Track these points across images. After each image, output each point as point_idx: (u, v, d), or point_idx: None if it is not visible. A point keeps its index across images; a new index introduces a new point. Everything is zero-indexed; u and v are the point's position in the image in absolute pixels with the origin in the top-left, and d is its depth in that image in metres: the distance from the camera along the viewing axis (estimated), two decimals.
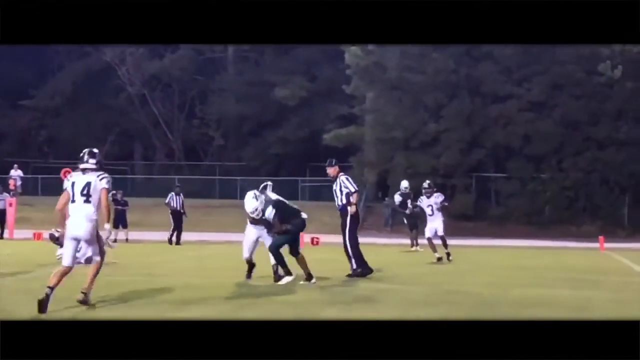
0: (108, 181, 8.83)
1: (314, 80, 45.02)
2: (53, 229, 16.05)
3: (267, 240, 11.58)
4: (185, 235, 24.21)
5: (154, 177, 45.80)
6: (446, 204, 17.92)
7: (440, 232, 17.11)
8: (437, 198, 17.39)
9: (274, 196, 11.58)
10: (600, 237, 24.22)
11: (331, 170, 13.11)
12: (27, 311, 8.10)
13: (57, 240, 15.19)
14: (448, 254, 16.81)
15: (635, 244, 26.04)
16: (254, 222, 11.62)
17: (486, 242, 26.90)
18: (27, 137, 49.46)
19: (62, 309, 8.32)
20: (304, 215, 11.66)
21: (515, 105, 34.69)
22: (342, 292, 10.58)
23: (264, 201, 11.36)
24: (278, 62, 46.33)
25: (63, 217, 8.92)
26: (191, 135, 49.29)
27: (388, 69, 36.07)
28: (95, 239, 8.86)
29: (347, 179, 13.01)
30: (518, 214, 34.52)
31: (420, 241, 20.32)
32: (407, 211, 21.66)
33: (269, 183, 11.98)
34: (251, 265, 11.89)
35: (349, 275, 12.53)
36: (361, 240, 13.20)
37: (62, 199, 8.89)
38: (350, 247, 12.68)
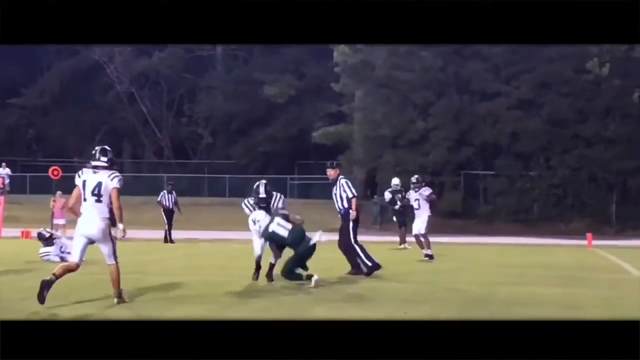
0: (120, 180, 8.80)
1: (303, 78, 45.05)
2: (42, 228, 16.11)
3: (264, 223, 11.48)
4: (174, 233, 24.15)
5: (143, 176, 45.74)
6: (434, 196, 17.81)
7: (422, 231, 16.86)
8: (424, 192, 17.36)
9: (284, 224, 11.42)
10: (589, 234, 24.26)
11: (332, 172, 13.08)
12: (21, 309, 8.09)
13: (46, 240, 15.24)
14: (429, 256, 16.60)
15: (623, 241, 26.20)
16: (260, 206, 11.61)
17: (474, 239, 26.97)
18: (16, 135, 49.29)
19: (58, 307, 8.32)
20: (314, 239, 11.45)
21: (504, 103, 34.84)
22: (331, 291, 10.58)
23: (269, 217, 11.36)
24: (267, 60, 46.32)
25: (74, 214, 8.92)
26: (180, 134, 49.26)
27: (376, 67, 36.15)
28: (109, 239, 8.82)
29: (346, 182, 12.95)
30: (506, 212, 34.66)
31: (408, 239, 20.34)
32: (396, 207, 21.67)
33: (281, 196, 11.97)
34: (259, 266, 11.77)
35: (366, 274, 12.56)
36: None
37: (73, 196, 8.90)
38: (351, 249, 12.73)
